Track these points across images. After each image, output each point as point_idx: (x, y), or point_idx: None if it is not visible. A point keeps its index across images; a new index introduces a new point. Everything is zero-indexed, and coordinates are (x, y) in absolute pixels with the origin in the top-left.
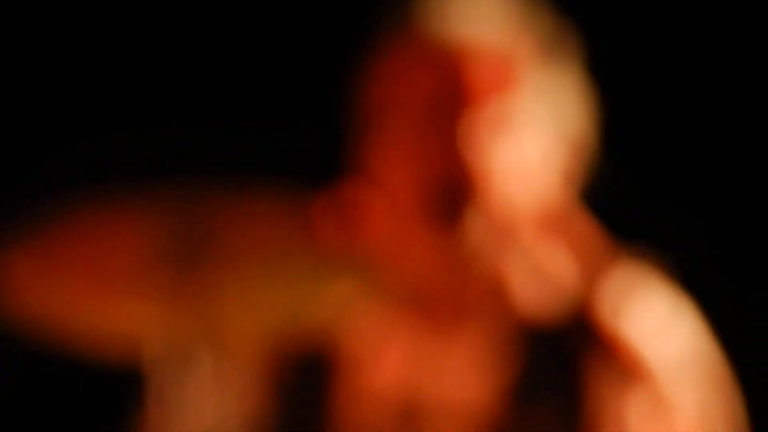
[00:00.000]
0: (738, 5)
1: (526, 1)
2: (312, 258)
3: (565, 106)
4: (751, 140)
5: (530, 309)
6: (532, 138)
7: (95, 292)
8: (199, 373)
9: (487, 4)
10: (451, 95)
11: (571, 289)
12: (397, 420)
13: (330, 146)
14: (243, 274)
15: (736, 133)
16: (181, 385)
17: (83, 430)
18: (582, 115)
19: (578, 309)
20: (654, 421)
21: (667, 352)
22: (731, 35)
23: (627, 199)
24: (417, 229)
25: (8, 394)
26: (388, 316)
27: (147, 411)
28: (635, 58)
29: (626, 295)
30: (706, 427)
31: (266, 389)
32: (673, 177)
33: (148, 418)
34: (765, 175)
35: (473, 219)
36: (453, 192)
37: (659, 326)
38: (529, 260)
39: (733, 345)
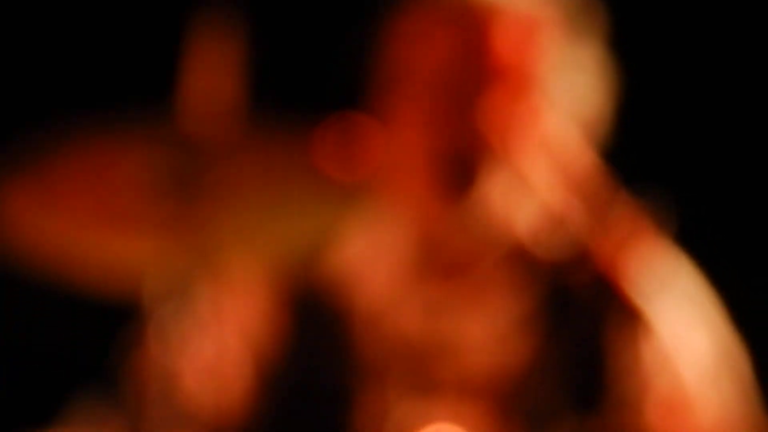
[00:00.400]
0: None
1: None
2: (313, 190)
3: (585, 78)
4: None
5: (551, 270)
6: (551, 105)
7: (94, 226)
8: (198, 307)
9: None
10: (472, 58)
11: (593, 254)
12: (412, 363)
13: (331, 78)
14: (242, 206)
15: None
16: (179, 318)
17: (82, 363)
18: (602, 87)
19: (599, 272)
20: (667, 382)
21: (685, 324)
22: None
23: (643, 175)
24: (426, 188)
25: (6, 327)
26: (397, 258)
27: (146, 345)
28: (659, 35)
29: (647, 267)
30: (722, 402)
31: (270, 325)
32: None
33: (146, 352)
34: None
35: (485, 184)
36: (466, 156)
37: (679, 300)
38: (549, 224)
39: (744, 327)
